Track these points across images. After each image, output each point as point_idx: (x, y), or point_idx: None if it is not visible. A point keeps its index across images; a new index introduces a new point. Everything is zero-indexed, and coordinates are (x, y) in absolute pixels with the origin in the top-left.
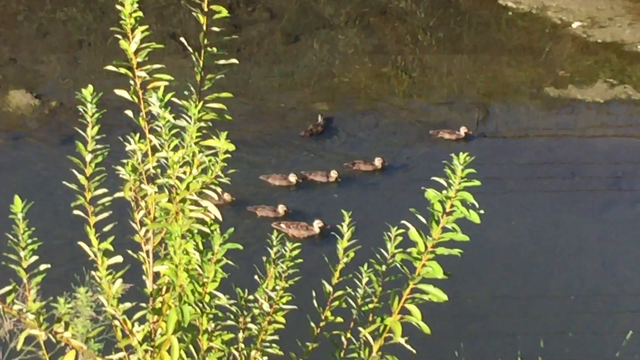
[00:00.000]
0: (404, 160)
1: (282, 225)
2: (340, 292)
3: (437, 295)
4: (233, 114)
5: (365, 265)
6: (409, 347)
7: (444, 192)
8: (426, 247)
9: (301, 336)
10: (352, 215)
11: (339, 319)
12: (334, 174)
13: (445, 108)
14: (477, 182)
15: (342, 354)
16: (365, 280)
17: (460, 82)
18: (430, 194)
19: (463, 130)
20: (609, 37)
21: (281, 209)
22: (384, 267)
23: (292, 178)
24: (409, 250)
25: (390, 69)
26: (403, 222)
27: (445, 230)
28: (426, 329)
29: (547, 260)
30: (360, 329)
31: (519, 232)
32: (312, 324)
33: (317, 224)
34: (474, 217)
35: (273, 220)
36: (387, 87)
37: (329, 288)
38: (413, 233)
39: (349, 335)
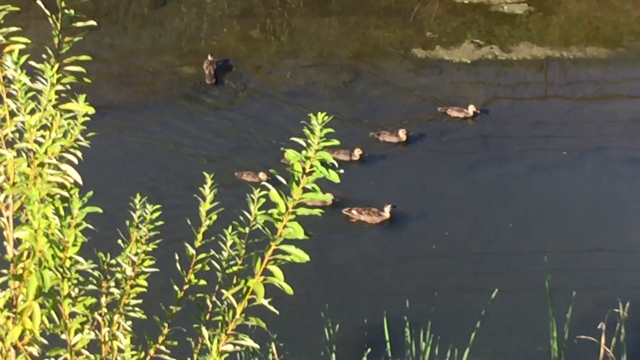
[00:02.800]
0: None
1: (354, 212)
2: (203, 255)
3: (299, 255)
4: (100, 78)
5: (230, 228)
6: (272, 308)
7: (303, 152)
8: (287, 208)
9: (165, 300)
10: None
11: (203, 282)
12: (357, 153)
13: (313, 70)
14: (336, 142)
15: (207, 317)
16: (229, 242)
17: (328, 45)
18: (290, 154)
19: (472, 109)
20: None
21: (328, 197)
22: (247, 230)
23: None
24: (270, 211)
25: (258, 32)
26: (264, 183)
27: (305, 190)
28: (289, 289)
29: (415, 220)
30: (224, 291)
31: (387, 193)
32: (176, 287)
33: (387, 209)
34: (334, 177)
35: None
36: (256, 50)
37: (191, 251)
38: (274, 194)
39: (213, 298)
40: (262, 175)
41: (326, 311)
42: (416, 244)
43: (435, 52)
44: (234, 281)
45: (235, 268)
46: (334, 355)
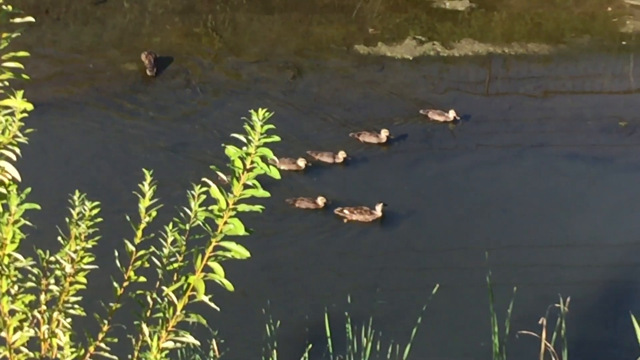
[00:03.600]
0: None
1: (346, 211)
2: (142, 252)
3: (240, 252)
4: (41, 75)
5: (170, 225)
6: (212, 304)
7: (244, 148)
8: (227, 204)
9: (105, 297)
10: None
11: (143, 279)
12: (341, 155)
13: (256, 67)
14: (277, 138)
15: (147, 314)
16: (170, 239)
17: (271, 41)
18: (230, 150)
19: (452, 114)
20: None
21: (321, 200)
22: (187, 226)
23: (301, 163)
24: (210, 207)
25: (201, 28)
26: (204, 179)
27: (246, 187)
28: (229, 286)
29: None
30: (164, 288)
31: (330, 190)
32: (115, 284)
33: (379, 207)
34: (274, 173)
35: (313, 212)
36: (198, 46)
37: (131, 247)
38: (214, 190)
39: (154, 295)
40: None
41: (267, 307)
42: (357, 240)
43: (377, 49)
44: (175, 278)
45: (175, 265)
46: (275, 351)
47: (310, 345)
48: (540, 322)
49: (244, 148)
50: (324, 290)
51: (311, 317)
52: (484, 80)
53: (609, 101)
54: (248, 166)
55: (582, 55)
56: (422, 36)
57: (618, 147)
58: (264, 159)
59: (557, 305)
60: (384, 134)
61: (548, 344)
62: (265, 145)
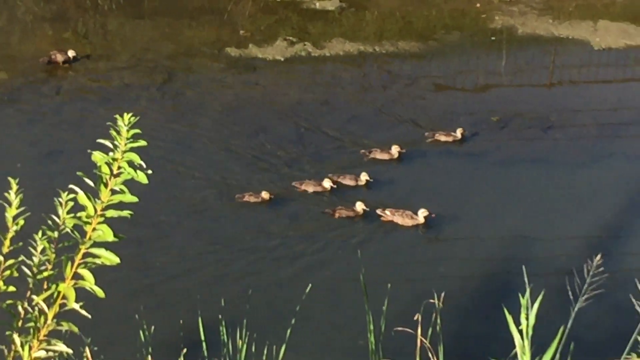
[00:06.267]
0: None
1: (387, 212)
2: (11, 261)
3: (110, 258)
4: None
5: (40, 233)
6: (83, 312)
7: (111, 154)
8: (96, 210)
9: None
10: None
11: (12, 289)
12: (363, 177)
13: (127, 72)
14: (143, 143)
15: (19, 324)
16: (40, 248)
17: (141, 46)
18: (97, 156)
19: (459, 132)
20: None
21: (359, 206)
22: (56, 234)
23: (327, 184)
24: (78, 214)
25: (71, 35)
26: (71, 186)
27: (114, 192)
28: (100, 293)
29: (233, 216)
30: (35, 296)
31: (206, 191)
32: None
33: (421, 213)
34: (142, 178)
35: (353, 219)
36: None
37: None
38: (82, 197)
39: (25, 304)
40: (264, 194)
41: (141, 313)
42: (233, 243)
43: (249, 51)
44: (45, 286)
45: (45, 273)
46: (149, 357)
47: (185, 349)
48: (415, 318)
49: (111, 154)
50: (198, 293)
51: (185, 321)
52: (356, 80)
53: (481, 96)
54: (115, 172)
55: (453, 52)
56: (293, 37)
57: (491, 141)
58: (130, 163)
59: (432, 301)
60: (395, 149)
61: (424, 340)
62: (132, 150)
